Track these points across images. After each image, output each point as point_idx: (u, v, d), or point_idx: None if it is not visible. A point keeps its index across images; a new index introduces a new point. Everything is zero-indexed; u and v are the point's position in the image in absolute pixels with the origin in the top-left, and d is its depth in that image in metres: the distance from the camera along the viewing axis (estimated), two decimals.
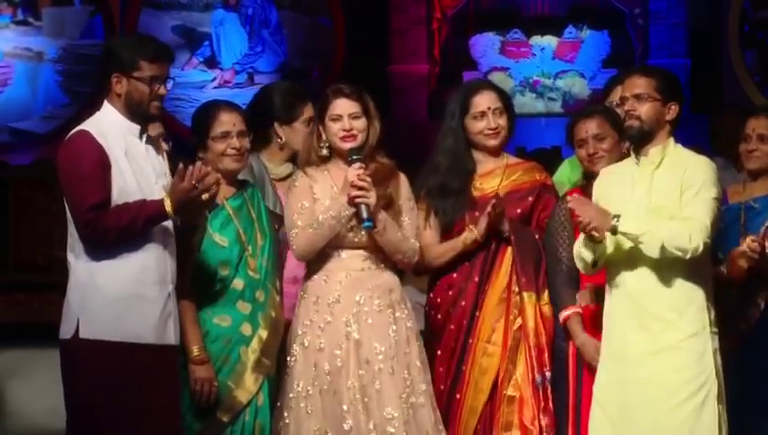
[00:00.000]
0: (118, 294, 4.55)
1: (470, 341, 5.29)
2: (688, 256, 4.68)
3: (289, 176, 5.51)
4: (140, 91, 4.63)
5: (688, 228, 4.67)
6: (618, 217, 4.67)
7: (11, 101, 14.21)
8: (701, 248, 4.69)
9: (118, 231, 4.50)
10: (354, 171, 4.96)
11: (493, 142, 5.42)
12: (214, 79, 14.59)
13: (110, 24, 14.11)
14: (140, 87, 4.62)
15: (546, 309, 5.28)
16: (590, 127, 5.28)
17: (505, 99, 5.48)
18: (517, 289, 5.28)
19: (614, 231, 4.68)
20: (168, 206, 4.53)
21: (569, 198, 4.85)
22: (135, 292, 4.57)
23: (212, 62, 14.64)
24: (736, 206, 5.40)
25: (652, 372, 4.73)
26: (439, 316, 5.36)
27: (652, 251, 4.68)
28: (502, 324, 5.30)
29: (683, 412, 4.70)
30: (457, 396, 5.25)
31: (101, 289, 4.55)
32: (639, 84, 4.84)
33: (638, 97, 4.82)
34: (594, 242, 4.76)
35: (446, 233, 5.38)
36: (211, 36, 14.66)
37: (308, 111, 5.49)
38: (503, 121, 5.42)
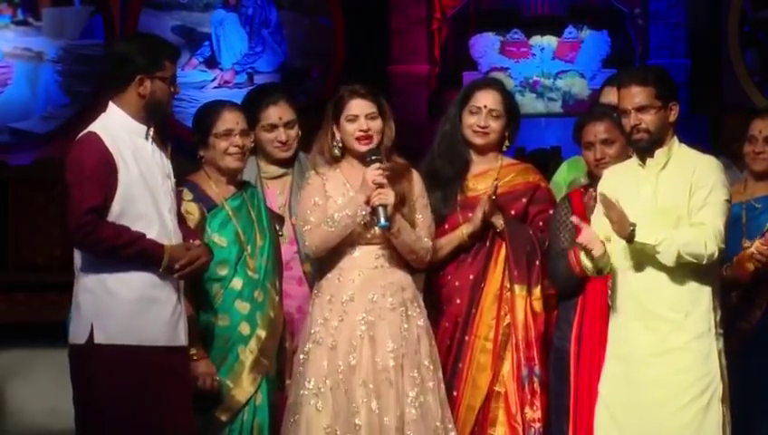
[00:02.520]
0: (130, 298, 4.55)
1: (466, 338, 5.26)
2: (704, 262, 4.65)
3: (283, 175, 5.54)
4: (162, 90, 4.66)
5: (703, 235, 4.64)
6: (634, 225, 4.61)
7: (11, 101, 14.20)
8: (716, 255, 4.66)
9: (112, 246, 4.50)
10: (373, 171, 4.95)
11: (477, 141, 5.38)
12: (214, 79, 14.59)
13: (110, 24, 14.10)
14: (162, 86, 4.66)
15: (537, 305, 5.25)
16: (598, 130, 5.23)
17: (508, 103, 5.44)
18: (509, 284, 5.26)
19: (630, 239, 4.64)
20: (165, 255, 4.55)
21: (600, 192, 4.78)
22: (146, 294, 4.57)
23: (212, 63, 14.63)
24: (738, 206, 5.37)
25: (658, 373, 4.71)
26: (434, 313, 5.32)
27: (668, 260, 4.64)
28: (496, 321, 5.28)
29: (688, 414, 4.68)
30: (455, 394, 5.22)
31: (114, 293, 4.55)
32: (638, 95, 4.76)
33: (640, 109, 4.75)
34: (591, 256, 4.74)
35: (436, 227, 5.27)
36: (211, 36, 14.65)
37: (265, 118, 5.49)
38: (495, 124, 5.37)
